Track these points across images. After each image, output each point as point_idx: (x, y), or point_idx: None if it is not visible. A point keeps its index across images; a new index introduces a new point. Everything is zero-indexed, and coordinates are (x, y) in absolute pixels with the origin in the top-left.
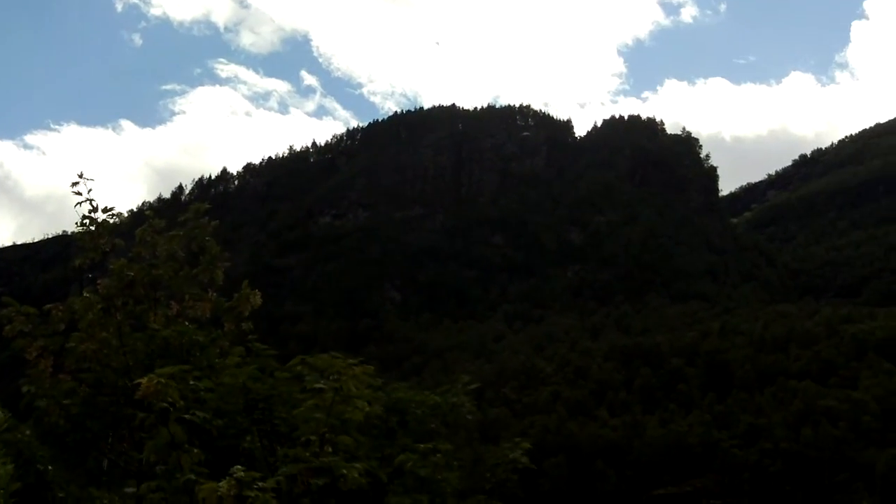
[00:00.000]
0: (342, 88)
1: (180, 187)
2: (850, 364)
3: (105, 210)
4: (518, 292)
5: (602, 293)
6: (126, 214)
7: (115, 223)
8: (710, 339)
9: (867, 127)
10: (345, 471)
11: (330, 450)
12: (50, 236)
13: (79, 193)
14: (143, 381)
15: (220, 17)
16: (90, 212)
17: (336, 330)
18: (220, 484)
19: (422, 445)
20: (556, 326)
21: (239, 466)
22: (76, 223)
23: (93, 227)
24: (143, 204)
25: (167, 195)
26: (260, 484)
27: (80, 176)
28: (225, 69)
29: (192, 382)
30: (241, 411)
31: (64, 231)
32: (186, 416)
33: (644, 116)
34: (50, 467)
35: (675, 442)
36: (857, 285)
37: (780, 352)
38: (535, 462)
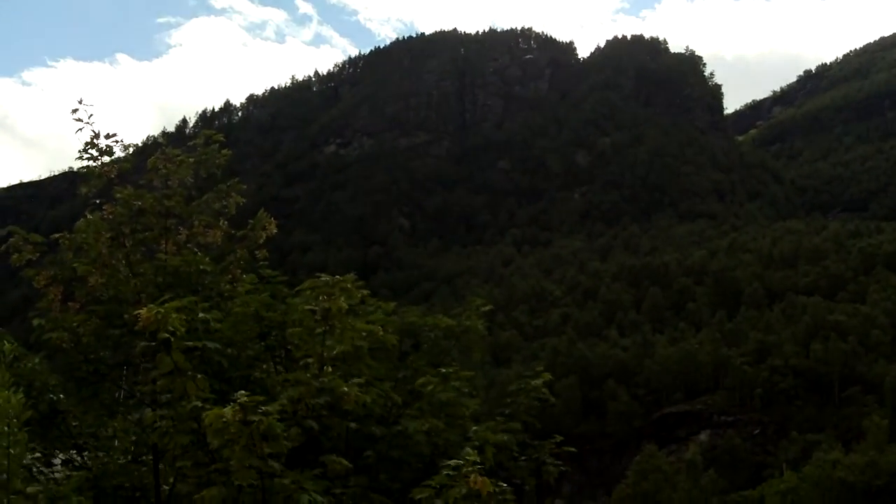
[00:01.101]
0: (338, 16)
1: (184, 121)
2: (859, 279)
3: (108, 136)
4: (525, 216)
5: (609, 215)
6: (130, 148)
7: (123, 154)
8: (718, 257)
9: (872, 41)
10: (345, 388)
11: (329, 370)
12: (56, 173)
13: (79, 120)
14: (143, 311)
15: None
16: (92, 139)
17: (345, 259)
18: (225, 410)
19: (444, 369)
20: (564, 249)
21: (243, 392)
22: (79, 150)
23: (95, 153)
24: (147, 138)
25: (171, 129)
26: (264, 408)
27: (80, 102)
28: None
29: (200, 315)
30: (254, 339)
31: (70, 168)
32: (189, 343)
33: (646, 36)
34: (62, 396)
35: (685, 360)
36: (864, 200)
37: (789, 268)
38: (547, 384)
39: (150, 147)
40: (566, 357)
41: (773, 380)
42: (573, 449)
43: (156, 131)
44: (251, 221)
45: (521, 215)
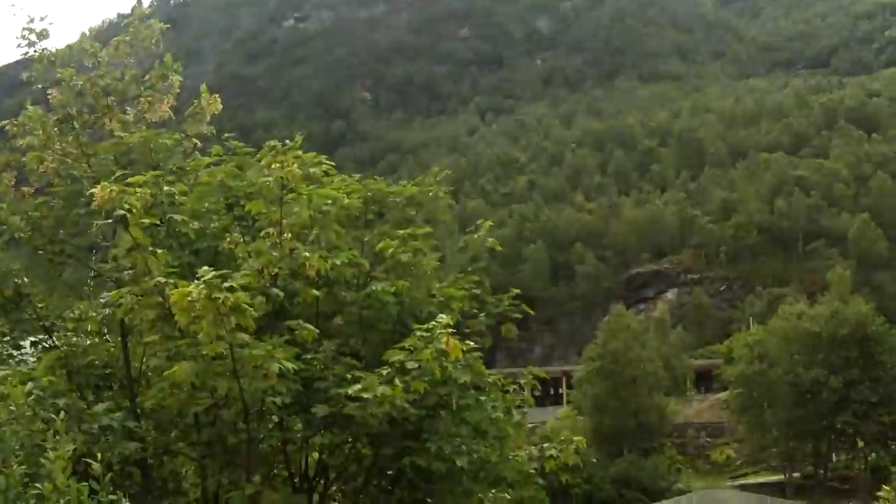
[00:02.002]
0: None
1: (139, 2)
2: (822, 134)
3: (43, 19)
4: (488, 85)
5: (572, 80)
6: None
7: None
8: (682, 118)
9: None
10: (306, 255)
11: (289, 237)
12: (9, 62)
13: (13, 5)
14: (98, 189)
15: None
16: (29, 23)
17: (309, 134)
18: (191, 287)
19: (400, 231)
20: (528, 116)
21: (208, 268)
22: (16, 37)
23: (34, 38)
24: (102, 23)
25: (126, 10)
26: (228, 283)
27: None
28: None
29: (165, 188)
30: (220, 211)
31: (25, 53)
32: (146, 219)
33: None
34: (26, 280)
35: (651, 221)
36: (826, 56)
37: (752, 126)
38: (515, 250)
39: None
40: (533, 223)
41: (738, 237)
42: (530, 312)
43: (112, 14)
44: (195, 100)
45: (484, 84)
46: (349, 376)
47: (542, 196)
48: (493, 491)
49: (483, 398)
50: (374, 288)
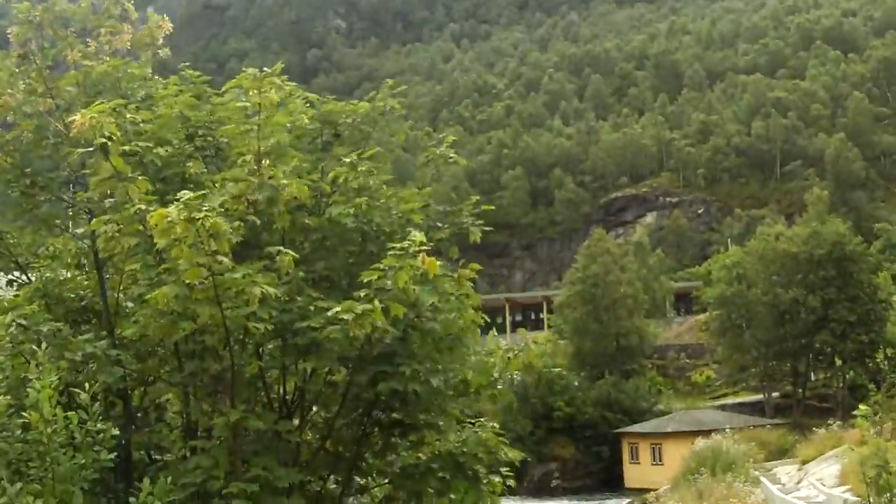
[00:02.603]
0: None
1: None
2: (798, 55)
3: None
4: (463, 10)
5: (547, 4)
6: None
7: None
8: (658, 41)
9: None
10: (284, 181)
11: (267, 163)
12: None
13: None
14: (77, 117)
15: None
16: None
17: (284, 64)
18: (170, 209)
19: (348, 159)
20: (504, 42)
21: (186, 191)
22: None
23: None
24: None
25: None
26: (207, 205)
27: None
28: None
29: (129, 116)
30: (181, 141)
31: None
32: (126, 146)
33: None
34: None
35: (630, 145)
36: None
37: (728, 48)
38: (494, 176)
39: None
40: (512, 149)
41: (715, 159)
42: (489, 228)
43: None
44: (145, 25)
45: (459, 9)
46: (312, 307)
47: (520, 122)
48: (461, 399)
49: (450, 314)
50: (332, 212)
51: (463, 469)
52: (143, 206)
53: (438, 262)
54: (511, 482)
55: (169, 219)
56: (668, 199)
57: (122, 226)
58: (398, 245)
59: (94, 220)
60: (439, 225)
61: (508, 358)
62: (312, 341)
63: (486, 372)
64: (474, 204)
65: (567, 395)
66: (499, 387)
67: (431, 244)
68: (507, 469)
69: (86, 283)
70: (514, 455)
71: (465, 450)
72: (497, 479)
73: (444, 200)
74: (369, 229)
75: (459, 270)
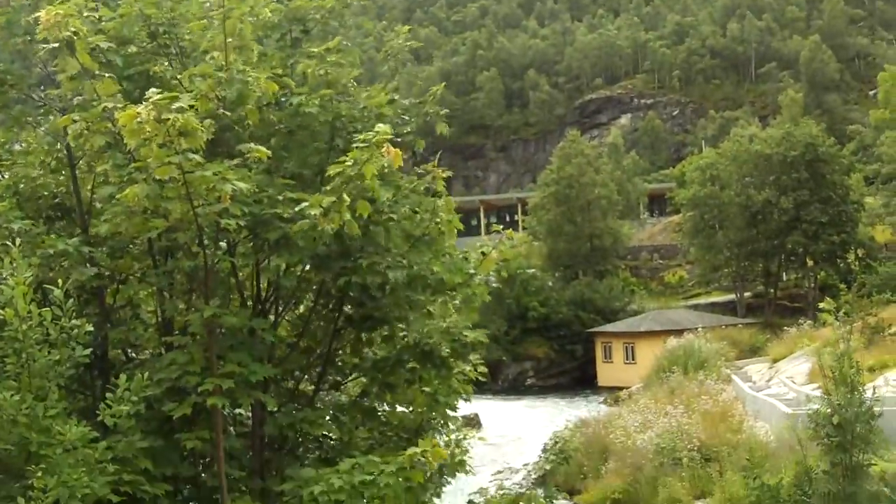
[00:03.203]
0: None
1: None
2: None
3: None
4: None
5: None
6: None
7: None
8: None
9: None
10: (251, 77)
11: (234, 58)
12: None
13: None
14: (42, 14)
15: None
16: None
17: None
18: (139, 108)
19: (317, 49)
20: None
21: (154, 90)
22: None
23: None
24: None
25: None
26: (177, 105)
27: None
28: None
29: (86, 14)
30: (144, 40)
31: None
32: (92, 40)
33: None
34: None
35: (605, 47)
36: None
37: None
38: (469, 78)
39: None
40: (486, 50)
41: (690, 61)
42: (447, 126)
43: None
44: None
45: None
46: (280, 197)
47: (495, 23)
48: (439, 298)
49: (405, 208)
50: (294, 101)
51: (431, 357)
52: (111, 105)
53: (404, 157)
54: (482, 369)
55: (138, 119)
56: (642, 100)
57: (90, 124)
58: (363, 137)
59: (63, 117)
60: (405, 117)
61: (483, 253)
62: (283, 236)
63: (462, 270)
64: (437, 95)
65: (541, 295)
66: (475, 283)
67: (399, 138)
68: (478, 358)
69: (59, 179)
70: (476, 336)
71: (430, 339)
72: (468, 367)
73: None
74: (338, 123)
75: (427, 167)
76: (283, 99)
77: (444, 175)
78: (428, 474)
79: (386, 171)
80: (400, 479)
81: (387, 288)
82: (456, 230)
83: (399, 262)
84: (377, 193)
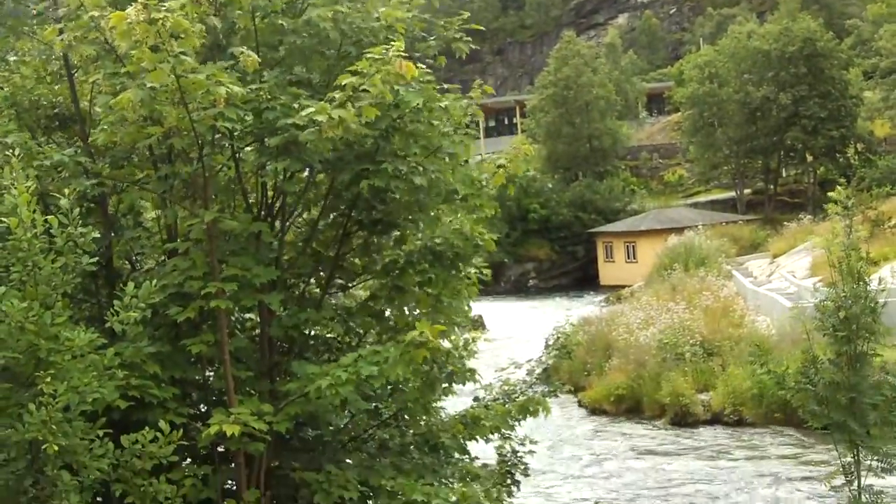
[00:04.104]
0: None
1: None
2: None
3: None
4: None
5: None
6: None
7: None
8: None
9: None
10: None
11: None
12: None
13: None
14: None
15: None
16: None
17: None
18: (128, 10)
19: None
20: None
21: None
22: None
23: None
24: None
25: None
26: (167, 4)
27: None
28: None
29: None
30: None
31: None
32: None
33: None
34: None
35: None
36: None
37: None
38: None
39: None
40: None
41: None
42: (470, 47)
43: None
44: None
45: None
46: (296, 105)
47: None
48: (445, 206)
49: (436, 122)
50: (311, 15)
51: (441, 259)
52: (97, 13)
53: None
54: (486, 271)
55: (128, 20)
56: None
57: (77, 34)
58: (376, 50)
59: (49, 29)
60: (424, 35)
61: (497, 167)
62: (288, 141)
63: (474, 182)
64: (465, 20)
65: (542, 197)
66: (485, 192)
67: (417, 54)
68: (482, 260)
69: (57, 90)
70: (490, 240)
71: (441, 240)
72: (473, 270)
73: (423, 11)
74: (349, 30)
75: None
76: (291, 5)
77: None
78: (433, 367)
79: (412, 81)
80: (406, 360)
81: (401, 193)
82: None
83: (418, 169)
84: (404, 99)
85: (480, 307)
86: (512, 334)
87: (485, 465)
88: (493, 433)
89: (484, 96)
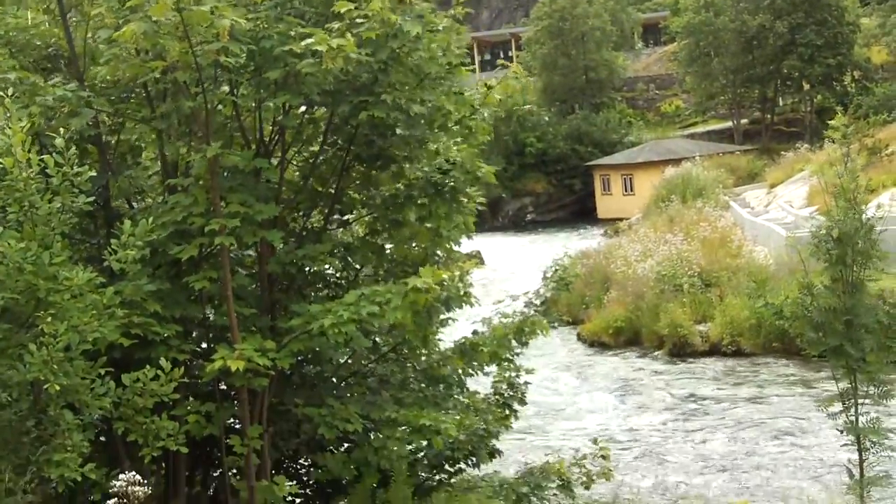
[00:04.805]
0: None
1: None
2: None
3: None
4: None
5: None
6: None
7: None
8: None
9: None
10: None
11: None
12: None
13: None
14: None
15: None
16: None
17: None
18: None
19: None
20: None
21: None
22: None
23: None
24: None
25: None
26: None
27: None
28: None
29: None
30: None
31: None
32: None
33: None
34: None
35: None
36: None
37: None
38: None
39: None
40: None
41: None
42: None
43: None
44: None
45: None
46: (293, 33)
47: None
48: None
49: (434, 45)
50: None
51: (441, 192)
52: None
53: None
54: (480, 199)
55: None
56: None
57: None
58: None
59: None
60: None
61: (487, 86)
62: (287, 73)
63: (468, 103)
64: None
65: (538, 130)
66: (480, 117)
67: None
68: (476, 190)
69: (53, 29)
70: (489, 171)
71: (440, 172)
72: (466, 200)
73: None
74: None
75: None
76: None
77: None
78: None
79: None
80: (407, 304)
81: (401, 125)
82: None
83: (416, 98)
84: (403, 29)
85: (478, 242)
86: (511, 269)
87: (485, 398)
88: (491, 359)
89: (468, 25)
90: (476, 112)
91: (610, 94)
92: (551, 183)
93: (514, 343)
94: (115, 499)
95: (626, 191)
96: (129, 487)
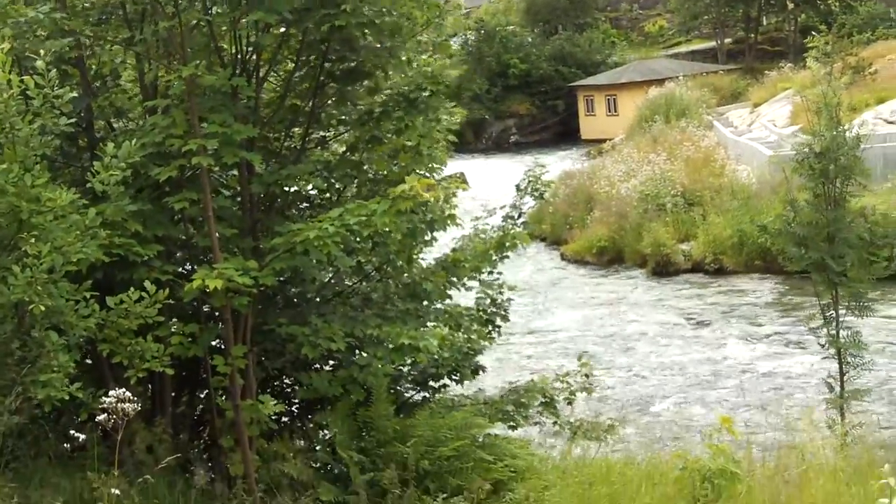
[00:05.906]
0: None
1: None
2: None
3: None
4: None
5: None
6: None
7: None
8: None
9: None
10: None
11: None
12: None
13: None
14: None
15: None
16: None
17: None
18: None
19: None
20: None
21: None
22: None
23: None
24: None
25: None
26: None
27: None
28: None
29: None
30: None
31: None
32: None
33: None
34: None
35: None
36: None
37: None
38: None
39: None
40: None
41: None
42: None
43: None
44: None
45: None
46: None
47: None
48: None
49: None
50: None
51: (416, 105)
52: None
53: None
54: (458, 110)
55: None
56: None
57: None
58: None
59: None
60: None
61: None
62: None
63: (432, 5)
64: None
65: (521, 52)
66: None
67: None
68: (454, 105)
69: None
70: (457, 74)
71: (414, 85)
72: (445, 116)
73: None
74: None
75: None
76: None
77: None
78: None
79: None
80: (394, 212)
81: (372, 34)
82: None
83: (375, 4)
84: None
85: (462, 164)
86: (495, 189)
87: (467, 311)
88: (473, 273)
89: None
90: (442, 14)
91: (593, 15)
92: (535, 104)
93: (494, 257)
94: (105, 415)
95: (609, 111)
96: (119, 404)
